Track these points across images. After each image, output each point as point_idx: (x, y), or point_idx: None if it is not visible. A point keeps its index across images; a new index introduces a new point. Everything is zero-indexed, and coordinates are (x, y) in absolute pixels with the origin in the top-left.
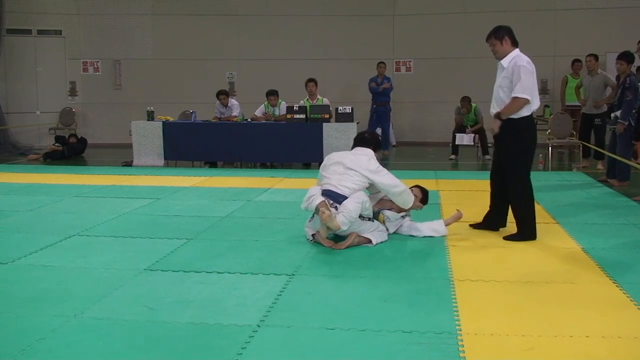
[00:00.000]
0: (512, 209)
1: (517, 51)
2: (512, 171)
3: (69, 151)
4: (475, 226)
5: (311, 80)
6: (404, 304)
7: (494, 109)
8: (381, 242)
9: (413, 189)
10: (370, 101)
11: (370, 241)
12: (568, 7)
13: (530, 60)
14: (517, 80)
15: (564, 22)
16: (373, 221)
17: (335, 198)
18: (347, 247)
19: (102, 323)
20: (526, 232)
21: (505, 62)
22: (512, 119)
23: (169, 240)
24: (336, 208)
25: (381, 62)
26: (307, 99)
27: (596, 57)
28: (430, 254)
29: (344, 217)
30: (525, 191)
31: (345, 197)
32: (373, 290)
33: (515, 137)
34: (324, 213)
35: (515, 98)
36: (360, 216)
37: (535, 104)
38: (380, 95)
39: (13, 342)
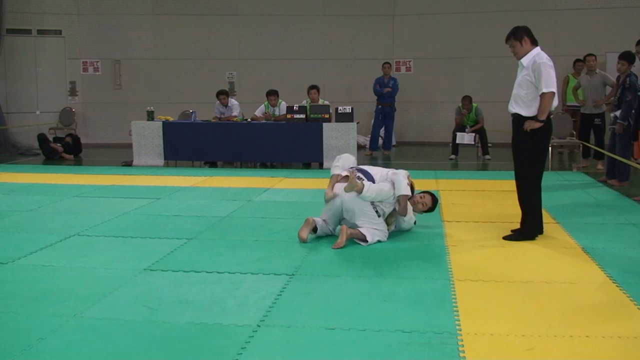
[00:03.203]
0: (520, 207)
1: (537, 49)
2: (524, 171)
3: (65, 150)
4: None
5: (313, 87)
6: (404, 304)
7: (513, 107)
8: (379, 242)
9: (425, 194)
10: (375, 101)
11: (365, 239)
12: (568, 7)
13: (549, 58)
14: (539, 77)
15: (564, 22)
16: (379, 217)
17: (366, 175)
18: (345, 245)
19: (102, 323)
20: (525, 231)
21: (525, 60)
22: (528, 117)
23: (169, 240)
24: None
25: (386, 62)
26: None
27: (595, 57)
28: (430, 254)
29: (372, 189)
30: (534, 192)
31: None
32: (373, 290)
33: (529, 136)
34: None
35: (543, 95)
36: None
37: (553, 102)
38: (386, 97)
39: (13, 342)
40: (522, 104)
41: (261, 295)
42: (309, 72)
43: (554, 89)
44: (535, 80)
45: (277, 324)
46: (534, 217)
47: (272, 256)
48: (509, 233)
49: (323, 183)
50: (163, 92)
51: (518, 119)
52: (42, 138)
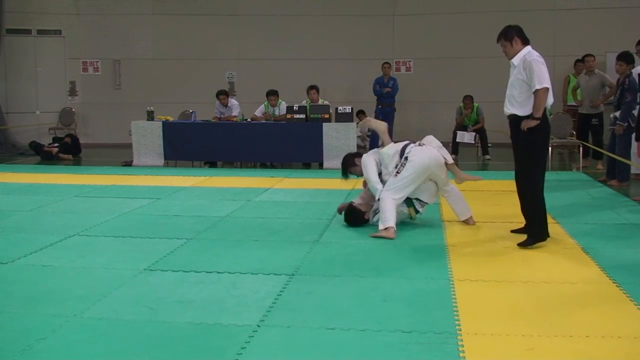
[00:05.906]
0: (523, 208)
1: (528, 48)
2: (524, 170)
3: (64, 150)
4: (517, 231)
5: (312, 87)
6: (404, 304)
7: (508, 108)
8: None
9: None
10: (375, 101)
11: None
12: (568, 7)
13: (540, 55)
14: (531, 74)
15: (564, 22)
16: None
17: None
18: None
19: (102, 323)
20: (537, 232)
21: (516, 60)
22: (524, 117)
23: (169, 240)
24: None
25: (386, 62)
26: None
27: (594, 57)
28: (430, 254)
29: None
30: (537, 191)
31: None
32: (373, 290)
33: (528, 135)
34: None
35: (536, 91)
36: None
37: (548, 100)
38: (386, 97)
39: (13, 342)
40: (517, 104)
41: (261, 295)
42: (309, 72)
43: (547, 85)
44: (527, 78)
45: (277, 324)
46: (540, 218)
47: (272, 256)
48: (512, 234)
49: (323, 183)
50: (163, 92)
51: (515, 120)
52: (34, 146)
